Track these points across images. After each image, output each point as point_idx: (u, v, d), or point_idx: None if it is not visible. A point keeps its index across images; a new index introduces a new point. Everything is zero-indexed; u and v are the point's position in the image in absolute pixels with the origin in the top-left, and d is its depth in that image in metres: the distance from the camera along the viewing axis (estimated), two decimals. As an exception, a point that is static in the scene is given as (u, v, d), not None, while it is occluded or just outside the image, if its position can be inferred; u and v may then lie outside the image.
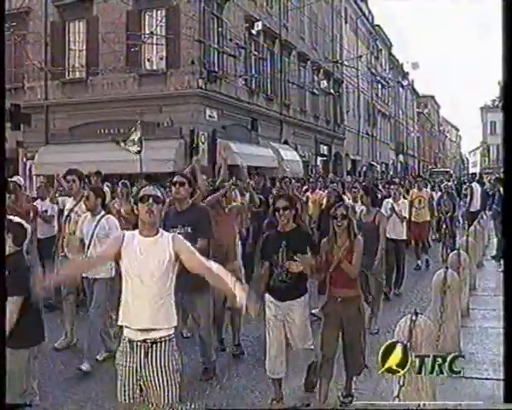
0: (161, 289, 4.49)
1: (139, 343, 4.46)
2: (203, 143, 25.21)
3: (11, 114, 21.86)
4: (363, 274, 8.49)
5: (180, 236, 4.85)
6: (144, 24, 25.87)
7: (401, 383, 4.37)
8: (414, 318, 4.94)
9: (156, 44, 25.83)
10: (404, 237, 12.86)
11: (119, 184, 12.36)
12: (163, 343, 4.48)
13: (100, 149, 23.96)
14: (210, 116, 26.27)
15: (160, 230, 4.73)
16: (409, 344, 4.74)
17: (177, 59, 25.21)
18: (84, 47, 26.85)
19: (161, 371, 4.46)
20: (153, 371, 4.45)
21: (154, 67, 26.04)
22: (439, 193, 19.03)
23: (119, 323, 4.59)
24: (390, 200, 12.90)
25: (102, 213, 8.09)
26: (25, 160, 25.90)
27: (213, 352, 7.59)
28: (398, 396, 4.42)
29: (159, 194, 4.71)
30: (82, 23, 26.96)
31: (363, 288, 8.12)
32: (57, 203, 11.37)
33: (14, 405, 3.94)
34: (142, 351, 4.45)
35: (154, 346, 4.46)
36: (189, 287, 6.43)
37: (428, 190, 18.18)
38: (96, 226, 7.92)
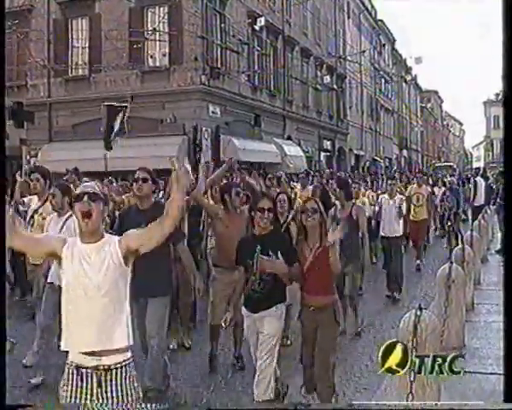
0: (111, 303, 3.81)
1: (90, 371, 3.75)
2: (206, 140, 25.22)
3: (14, 111, 21.87)
4: (340, 276, 8.30)
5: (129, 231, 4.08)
6: (147, 21, 25.89)
7: (412, 378, 4.36)
8: (418, 313, 4.94)
9: (159, 41, 25.84)
10: (400, 234, 12.13)
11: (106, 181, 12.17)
12: (119, 370, 3.78)
13: (103, 145, 23.96)
14: (213, 112, 26.27)
15: (106, 234, 4.02)
16: (414, 340, 4.74)
17: (179, 55, 25.21)
18: (87, 44, 26.87)
19: (118, 403, 3.76)
20: (108, 404, 3.74)
21: (157, 64, 26.06)
22: (443, 188, 18.81)
23: (62, 348, 3.86)
24: (386, 195, 12.45)
25: (70, 213, 6.89)
26: (28, 157, 25.93)
27: (166, 371, 6.65)
28: (411, 392, 4.42)
29: (97, 190, 3.99)
30: (84, 20, 26.97)
31: (338, 287, 8.08)
32: (22, 204, 10.06)
33: (14, 405, 3.59)
34: (94, 380, 3.75)
35: (108, 373, 3.76)
36: (141, 290, 5.79)
37: (428, 187, 17.27)
38: (62, 228, 7.05)
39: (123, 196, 10.47)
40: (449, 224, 16.85)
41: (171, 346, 8.11)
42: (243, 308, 5.94)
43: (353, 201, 9.76)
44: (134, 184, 6.67)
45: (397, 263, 11.74)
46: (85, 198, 3.87)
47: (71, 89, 27.11)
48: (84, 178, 10.91)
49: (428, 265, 14.74)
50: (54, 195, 7.41)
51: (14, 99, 23.10)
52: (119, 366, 3.79)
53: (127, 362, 3.84)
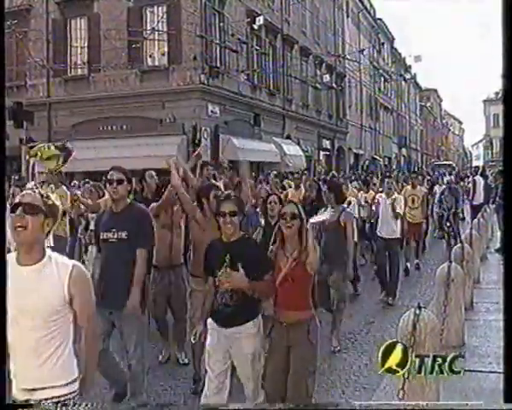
0: (49, 336, 3.29)
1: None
2: (206, 139, 25.21)
3: (14, 111, 21.89)
4: (324, 285, 8.27)
5: (83, 268, 3.50)
6: (145, 20, 25.88)
7: (406, 376, 4.36)
8: (417, 312, 4.94)
9: (158, 40, 25.84)
10: (398, 236, 11.59)
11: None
12: (54, 406, 3.25)
13: (103, 145, 24.00)
14: (212, 112, 26.26)
15: (49, 253, 3.37)
16: (413, 338, 4.75)
17: (178, 55, 25.20)
18: (86, 44, 26.86)
19: None
20: None
21: (156, 63, 26.04)
22: (443, 186, 18.53)
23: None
24: (383, 195, 11.87)
25: None
26: (28, 157, 25.92)
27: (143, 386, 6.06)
28: (402, 389, 4.42)
29: (37, 201, 3.33)
30: (83, 20, 26.97)
31: (323, 300, 8.02)
32: None
33: (14, 405, 3.51)
34: None
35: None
36: (118, 303, 5.62)
37: (424, 187, 16.33)
38: None
39: (99, 201, 9.72)
40: (448, 225, 16.38)
41: (159, 358, 7.83)
42: (210, 322, 5.27)
43: (344, 205, 9.06)
44: (108, 185, 6.11)
45: (394, 266, 11.23)
46: (19, 211, 3.27)
47: (70, 89, 27.10)
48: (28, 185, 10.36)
49: (427, 266, 14.59)
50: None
51: (14, 99, 23.13)
52: (55, 400, 3.29)
53: (63, 398, 3.30)
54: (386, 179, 12.84)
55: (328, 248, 8.14)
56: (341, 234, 8.49)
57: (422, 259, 15.32)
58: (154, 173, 9.12)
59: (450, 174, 34.28)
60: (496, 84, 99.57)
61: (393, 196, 11.47)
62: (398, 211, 11.27)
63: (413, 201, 14.45)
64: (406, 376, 4.43)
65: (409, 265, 14.10)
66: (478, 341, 7.95)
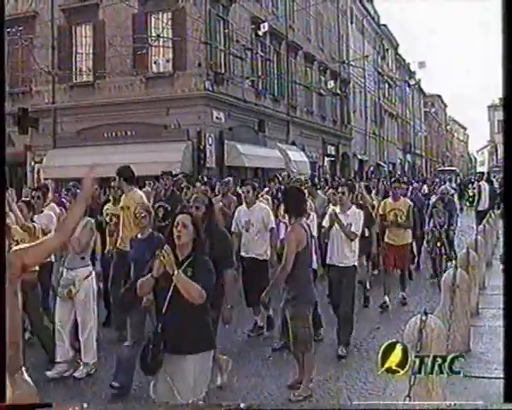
0: None
1: None
2: (210, 145, 25.25)
3: (19, 117, 21.96)
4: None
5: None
6: (150, 27, 25.94)
7: (412, 382, 4.36)
8: (424, 318, 4.94)
9: (163, 47, 25.90)
10: (353, 263, 8.67)
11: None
12: None
13: (108, 151, 24.03)
14: (217, 118, 26.30)
15: None
16: (419, 344, 4.75)
17: (183, 61, 25.25)
18: (91, 50, 26.91)
19: None
20: None
21: (161, 70, 26.09)
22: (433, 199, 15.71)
23: None
24: (336, 208, 9.06)
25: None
26: (33, 163, 26.01)
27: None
28: (408, 396, 4.42)
29: None
30: (88, 27, 27.03)
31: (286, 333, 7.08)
32: None
33: (14, 405, 3.54)
34: None
35: None
36: None
37: (408, 200, 12.55)
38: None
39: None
40: (439, 245, 13.36)
41: None
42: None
43: (303, 218, 7.36)
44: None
45: (347, 304, 8.52)
46: None
47: (75, 95, 27.15)
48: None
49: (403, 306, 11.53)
50: None
51: (19, 105, 23.19)
52: None
53: None
54: (340, 188, 9.27)
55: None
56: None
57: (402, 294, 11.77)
58: None
59: (449, 181, 34.13)
60: (500, 90, 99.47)
61: (350, 211, 8.81)
62: (352, 230, 8.59)
63: (396, 216, 11.54)
64: (412, 382, 4.43)
65: (388, 300, 11.18)
66: (484, 347, 7.94)
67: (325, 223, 9.11)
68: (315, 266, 8.95)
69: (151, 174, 16.37)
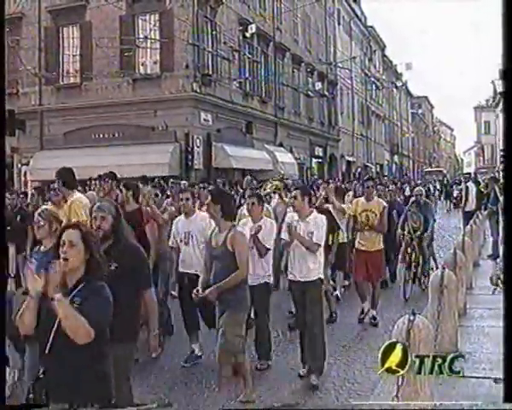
0: None
1: None
2: (198, 147, 25.23)
3: (5, 119, 21.85)
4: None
5: None
6: (138, 28, 25.91)
7: (400, 383, 4.38)
8: (412, 318, 4.96)
9: (150, 48, 25.87)
10: (318, 276, 7.48)
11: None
12: None
13: (95, 153, 23.97)
14: (205, 120, 26.29)
15: None
16: (407, 344, 4.76)
17: (171, 63, 25.22)
18: (78, 52, 26.86)
19: None
20: None
21: (148, 71, 26.05)
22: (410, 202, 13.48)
23: None
24: (295, 215, 7.74)
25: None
26: (20, 166, 25.88)
27: None
28: (396, 396, 4.43)
29: None
30: (75, 28, 26.97)
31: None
32: None
33: (14, 405, 3.35)
34: None
35: None
36: None
37: (383, 201, 10.96)
38: None
39: None
40: (409, 251, 12.02)
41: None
42: None
43: (233, 223, 6.80)
44: None
45: (314, 325, 7.37)
46: None
47: (62, 97, 27.07)
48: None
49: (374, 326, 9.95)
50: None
51: (6, 107, 23.05)
52: None
53: None
54: (294, 192, 7.99)
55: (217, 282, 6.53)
56: (231, 262, 6.48)
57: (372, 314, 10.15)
58: None
59: (434, 181, 34.06)
60: (487, 91, 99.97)
61: (310, 217, 7.60)
62: (315, 241, 7.42)
63: (367, 219, 10.19)
64: (400, 383, 4.45)
65: (374, 312, 10.10)
66: (471, 347, 7.95)
67: (283, 235, 7.74)
68: (267, 279, 7.85)
69: (138, 176, 16.27)
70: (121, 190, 8.57)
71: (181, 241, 8.34)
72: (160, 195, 11.22)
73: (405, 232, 12.14)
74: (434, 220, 14.18)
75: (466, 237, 11.96)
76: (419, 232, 12.12)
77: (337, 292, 11.49)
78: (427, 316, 6.87)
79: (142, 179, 11.95)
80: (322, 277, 7.60)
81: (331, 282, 10.85)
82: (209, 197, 6.95)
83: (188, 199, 8.48)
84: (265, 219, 8.14)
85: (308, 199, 7.69)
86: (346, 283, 12.61)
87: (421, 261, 12.14)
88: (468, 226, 15.26)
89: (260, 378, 7.32)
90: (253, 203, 7.97)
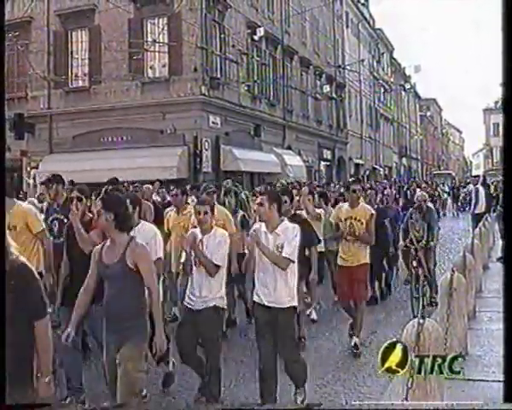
0: None
1: None
2: (206, 150, 25.26)
3: (15, 123, 21.95)
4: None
5: None
6: (146, 32, 25.96)
7: (409, 385, 4.37)
8: (421, 321, 4.95)
9: (158, 52, 25.91)
10: (292, 304, 6.25)
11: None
12: None
13: (104, 156, 24.04)
14: (213, 123, 26.31)
15: None
16: (417, 347, 4.76)
17: (179, 66, 25.27)
18: (87, 56, 26.92)
19: None
20: None
21: (157, 75, 26.11)
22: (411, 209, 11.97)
23: None
24: (262, 226, 6.39)
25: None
26: (29, 169, 25.99)
27: None
28: (406, 398, 4.43)
29: None
30: (84, 32, 27.05)
31: None
32: None
33: (14, 405, 3.34)
34: None
35: None
36: None
37: (370, 208, 9.30)
38: None
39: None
40: (414, 265, 10.73)
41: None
42: None
43: (131, 235, 5.57)
44: None
45: (289, 355, 6.38)
46: None
47: (71, 100, 27.15)
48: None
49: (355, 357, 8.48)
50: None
51: (15, 111, 23.16)
52: None
53: None
54: (259, 198, 6.54)
55: (111, 308, 5.41)
56: (131, 282, 5.32)
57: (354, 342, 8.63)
58: None
59: (442, 184, 33.59)
60: (496, 93, 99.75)
61: (278, 229, 6.26)
62: (285, 255, 6.12)
63: (351, 227, 8.68)
64: (410, 386, 4.44)
65: (356, 340, 8.61)
66: (481, 350, 7.94)
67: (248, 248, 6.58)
68: (217, 302, 6.55)
69: (146, 179, 16.35)
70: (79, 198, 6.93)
71: None
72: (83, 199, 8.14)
73: (408, 243, 10.95)
74: (439, 228, 13.25)
75: (475, 239, 11.94)
76: (424, 242, 10.85)
77: (312, 315, 10.37)
78: (436, 319, 6.86)
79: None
80: (295, 304, 6.31)
81: (307, 299, 9.57)
82: (99, 204, 5.82)
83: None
84: (216, 229, 6.78)
85: (277, 206, 6.31)
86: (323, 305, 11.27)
87: (428, 275, 10.96)
88: (477, 229, 15.22)
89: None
90: (260, 204, 6.32)
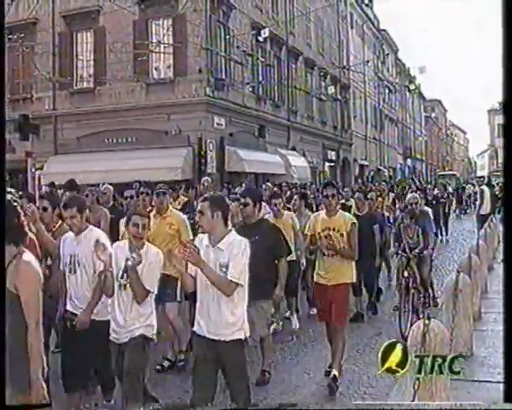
0: None
1: None
2: (211, 151, 25.27)
3: (20, 124, 21.94)
4: None
5: None
6: (151, 33, 25.98)
7: (416, 387, 4.37)
8: (427, 322, 4.95)
9: (163, 53, 25.93)
10: (239, 337, 5.03)
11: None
12: None
13: (108, 158, 24.07)
14: (218, 124, 26.32)
15: None
16: (422, 348, 4.75)
17: (184, 67, 25.29)
18: (92, 57, 26.95)
19: None
20: None
21: (162, 76, 26.13)
22: (402, 213, 11.10)
23: None
24: (205, 237, 5.18)
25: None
26: (33, 170, 25.98)
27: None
28: (413, 400, 4.43)
29: None
30: (89, 33, 27.07)
31: None
32: None
33: (14, 405, 3.29)
34: None
35: None
36: None
37: (351, 216, 7.91)
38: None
39: None
40: (406, 275, 9.45)
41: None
42: None
43: (20, 249, 4.14)
44: None
45: (240, 395, 5.08)
46: None
47: (76, 101, 27.17)
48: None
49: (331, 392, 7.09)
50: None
51: (20, 112, 23.17)
52: None
53: None
54: (200, 204, 5.22)
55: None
56: (16, 310, 3.95)
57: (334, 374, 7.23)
58: None
59: (447, 185, 33.21)
60: (498, 95, 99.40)
61: (222, 244, 5.06)
62: (231, 278, 4.90)
63: (329, 239, 7.32)
64: (416, 388, 4.44)
65: (334, 372, 7.18)
66: (486, 351, 7.93)
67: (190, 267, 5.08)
68: (144, 331, 5.67)
69: (152, 180, 16.31)
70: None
71: (65, 266, 6.05)
72: (48, 208, 7.08)
73: (400, 251, 9.77)
74: (436, 235, 12.12)
75: (480, 240, 11.93)
76: (417, 250, 9.66)
77: (294, 322, 9.88)
78: (441, 320, 6.86)
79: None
80: (242, 337, 5.06)
81: (287, 314, 9.15)
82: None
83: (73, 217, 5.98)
84: (149, 247, 5.80)
85: (222, 214, 5.09)
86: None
87: (421, 288, 9.66)
88: (483, 230, 15.21)
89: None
90: (201, 212, 5.09)
